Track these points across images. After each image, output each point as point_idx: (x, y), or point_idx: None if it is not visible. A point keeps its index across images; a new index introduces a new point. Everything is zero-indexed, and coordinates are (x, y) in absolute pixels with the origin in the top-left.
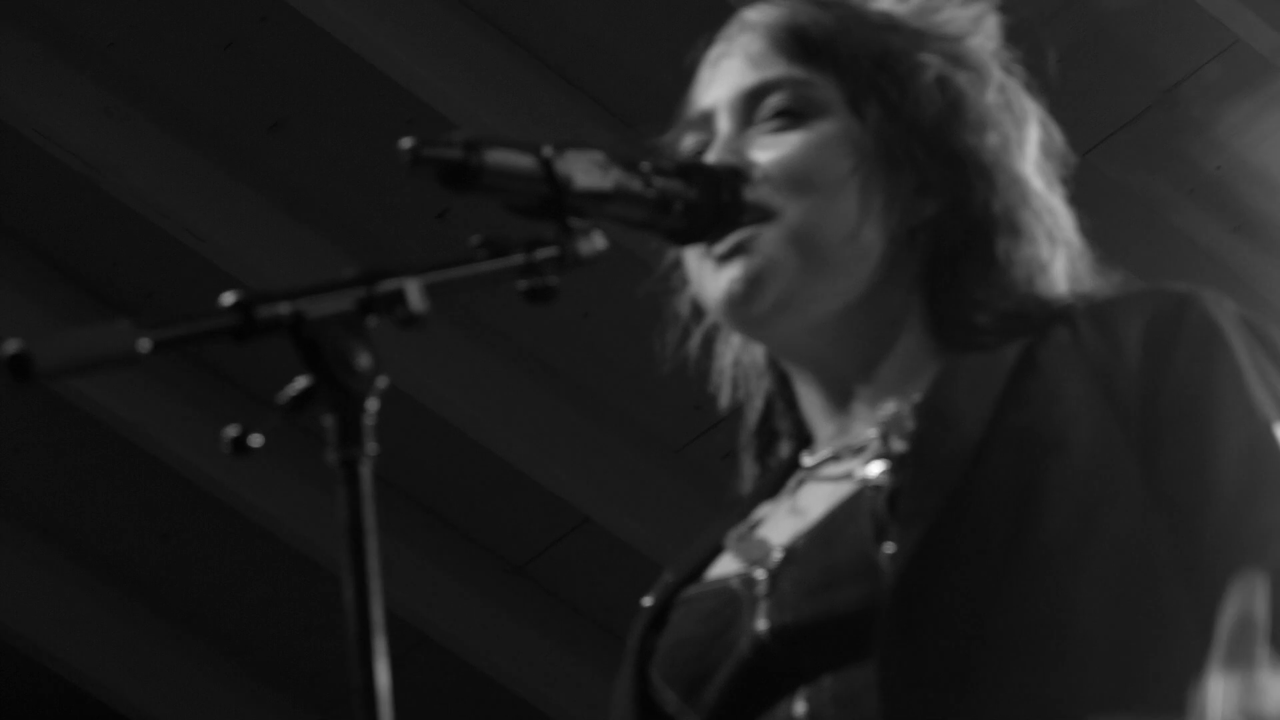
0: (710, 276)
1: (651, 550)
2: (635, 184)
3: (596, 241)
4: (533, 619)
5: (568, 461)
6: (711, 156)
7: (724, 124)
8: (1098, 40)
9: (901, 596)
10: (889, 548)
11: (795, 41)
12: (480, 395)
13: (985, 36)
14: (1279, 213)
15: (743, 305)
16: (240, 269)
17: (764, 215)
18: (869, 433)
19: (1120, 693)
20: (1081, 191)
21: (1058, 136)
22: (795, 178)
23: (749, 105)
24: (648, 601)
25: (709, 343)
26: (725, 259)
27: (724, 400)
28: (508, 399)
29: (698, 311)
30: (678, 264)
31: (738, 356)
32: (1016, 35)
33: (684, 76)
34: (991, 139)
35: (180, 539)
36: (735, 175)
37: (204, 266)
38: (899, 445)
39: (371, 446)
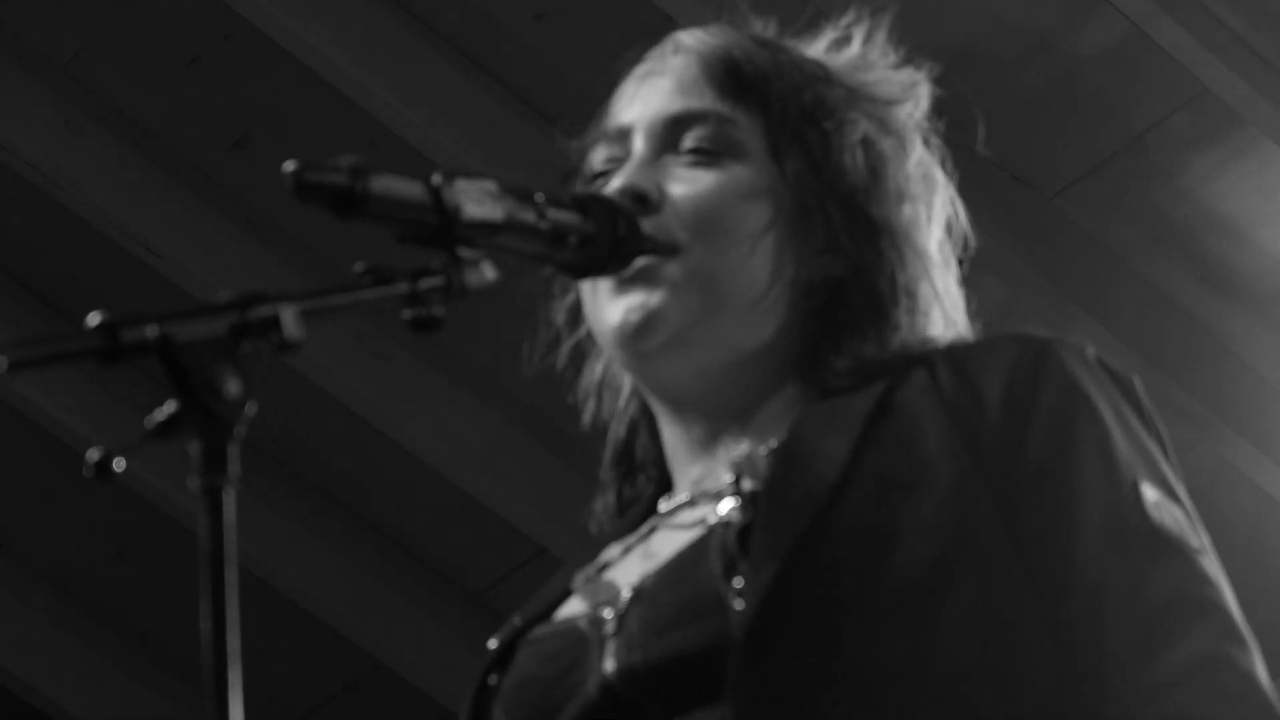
0: (606, 302)
1: None
2: (528, 215)
3: (486, 272)
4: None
5: (525, 491)
6: (621, 179)
7: (640, 145)
8: (1067, 85)
9: (754, 634)
10: (738, 582)
11: (727, 75)
12: (439, 424)
13: (914, 104)
14: (1245, 263)
15: (636, 338)
16: (198, 285)
17: (667, 249)
18: (725, 477)
19: None
20: (1047, 235)
21: (963, 215)
22: (704, 219)
23: (670, 132)
24: (492, 644)
25: (578, 356)
26: (624, 287)
27: (584, 420)
28: (466, 428)
29: (572, 321)
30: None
31: (603, 377)
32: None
33: None
34: (906, 211)
35: (133, 557)
36: (637, 205)
37: (162, 282)
38: (750, 484)
39: (235, 474)
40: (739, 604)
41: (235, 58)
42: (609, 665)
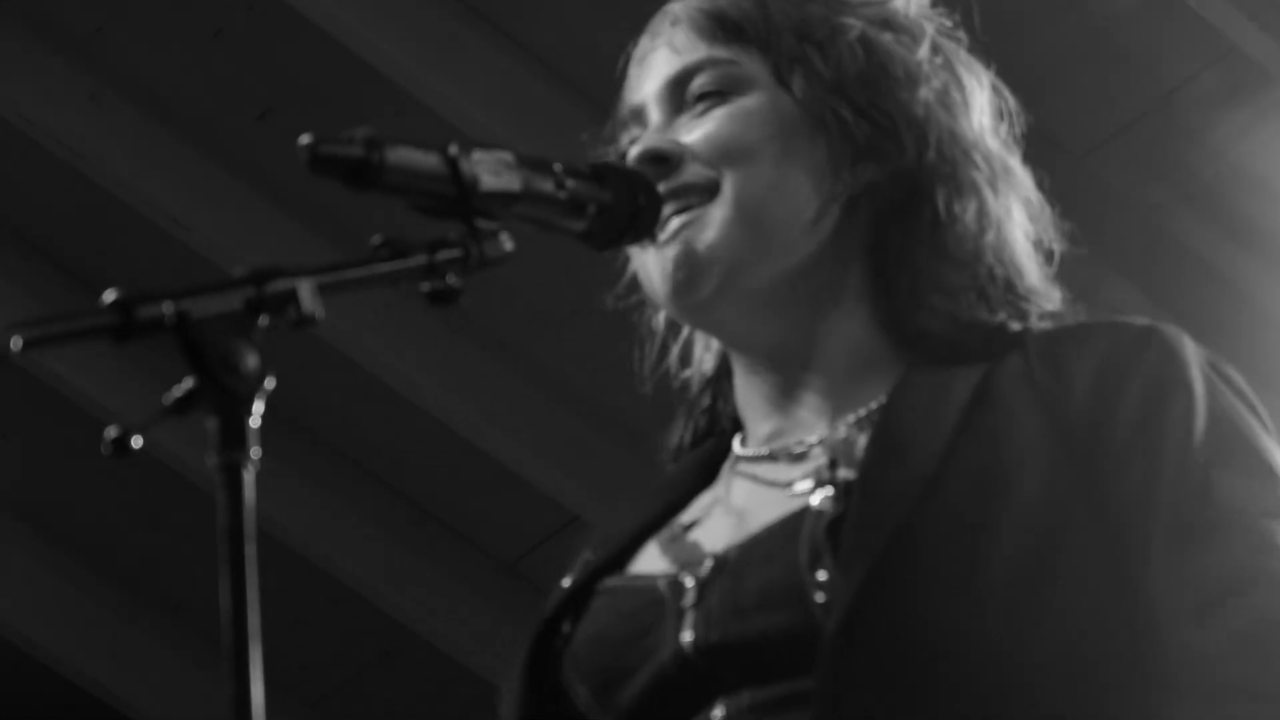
0: (654, 268)
1: None
2: (546, 185)
3: (504, 243)
4: (522, 617)
5: (557, 460)
6: (638, 146)
7: (654, 115)
8: (1094, 46)
9: (845, 632)
10: (821, 575)
11: (716, 24)
12: (470, 393)
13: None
14: (1275, 221)
15: (686, 292)
16: (225, 258)
17: (702, 191)
18: (811, 439)
19: None
20: (1077, 196)
21: (1009, 99)
22: (724, 149)
23: (675, 93)
24: (565, 582)
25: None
26: (667, 244)
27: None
28: (497, 397)
29: (674, 323)
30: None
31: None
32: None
33: None
34: (923, 93)
35: (165, 529)
36: (658, 167)
37: (189, 255)
38: (846, 473)
39: (255, 450)
40: (819, 597)
41: (259, 29)
42: (686, 637)
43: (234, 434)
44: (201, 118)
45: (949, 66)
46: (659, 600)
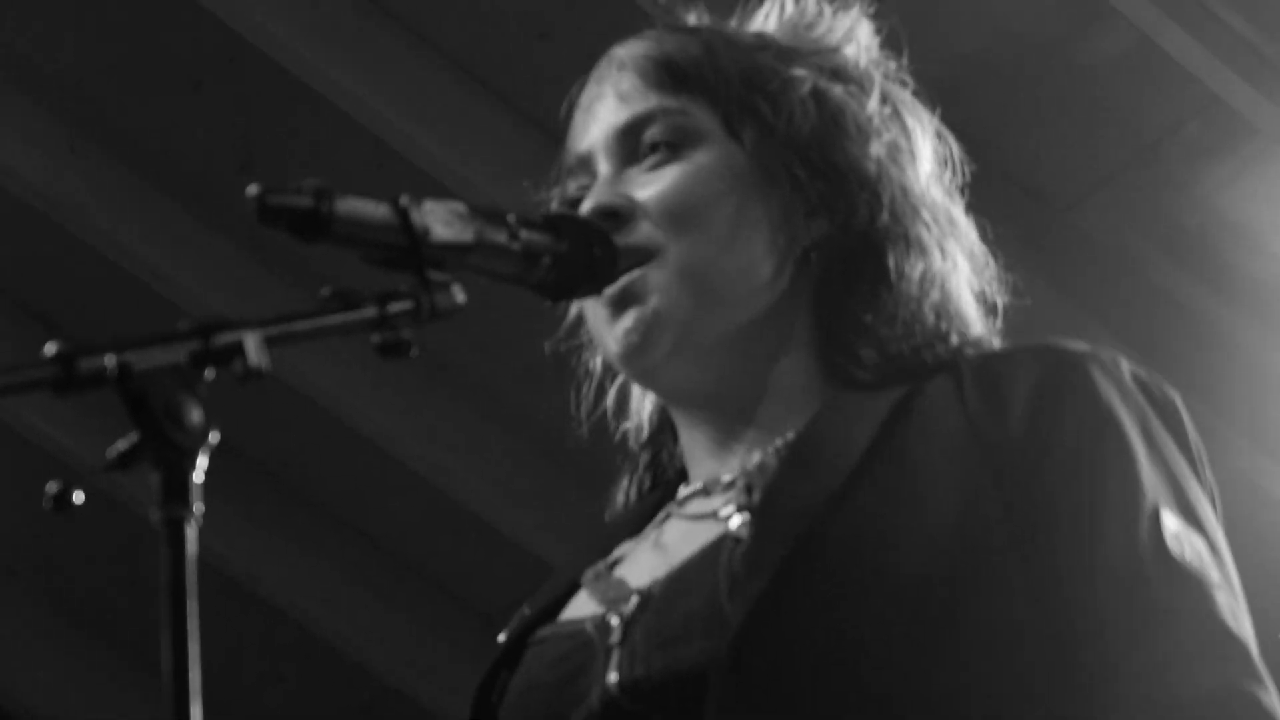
0: (603, 325)
1: None
2: (500, 236)
3: (456, 295)
4: None
5: (540, 515)
6: (590, 201)
7: (603, 166)
8: (1076, 97)
9: (736, 653)
10: (737, 604)
11: (664, 72)
12: (453, 447)
13: (861, 47)
14: (1260, 271)
15: (639, 355)
16: (200, 309)
17: (648, 255)
18: (738, 470)
19: None
20: (1060, 248)
21: (954, 146)
22: (675, 212)
23: (625, 142)
24: (501, 637)
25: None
26: (617, 307)
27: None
28: (481, 451)
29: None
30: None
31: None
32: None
33: None
34: (874, 149)
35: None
36: (610, 221)
37: (166, 306)
38: (759, 495)
39: (198, 506)
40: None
41: (240, 81)
42: (612, 676)
43: (177, 488)
44: (182, 169)
45: (897, 116)
46: (587, 642)
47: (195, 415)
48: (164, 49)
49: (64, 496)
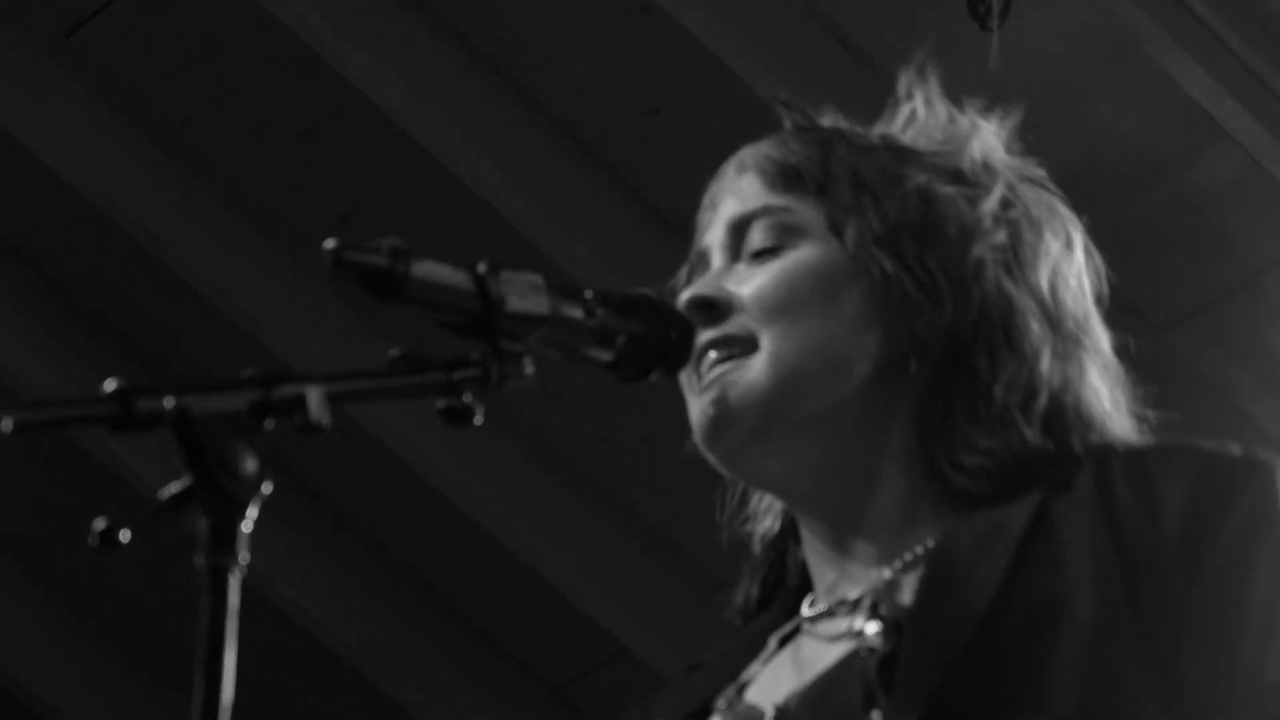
0: (693, 408)
1: None
2: (575, 311)
3: (526, 367)
4: None
5: (612, 589)
6: (688, 292)
7: (715, 260)
8: (1183, 218)
9: None
10: (876, 715)
11: (778, 171)
12: (530, 513)
13: (986, 146)
14: None
15: (714, 437)
16: (294, 356)
17: (741, 346)
18: (862, 590)
19: None
20: (1156, 370)
21: (1098, 259)
22: (769, 305)
23: (734, 238)
24: None
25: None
26: (706, 391)
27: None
28: (558, 519)
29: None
30: None
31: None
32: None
33: None
34: (977, 250)
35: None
36: (705, 313)
37: (264, 354)
38: (895, 610)
39: (245, 556)
40: None
41: (345, 131)
42: None
43: (224, 537)
44: (284, 215)
45: (1021, 220)
46: None
47: (249, 465)
48: (273, 96)
49: (110, 534)
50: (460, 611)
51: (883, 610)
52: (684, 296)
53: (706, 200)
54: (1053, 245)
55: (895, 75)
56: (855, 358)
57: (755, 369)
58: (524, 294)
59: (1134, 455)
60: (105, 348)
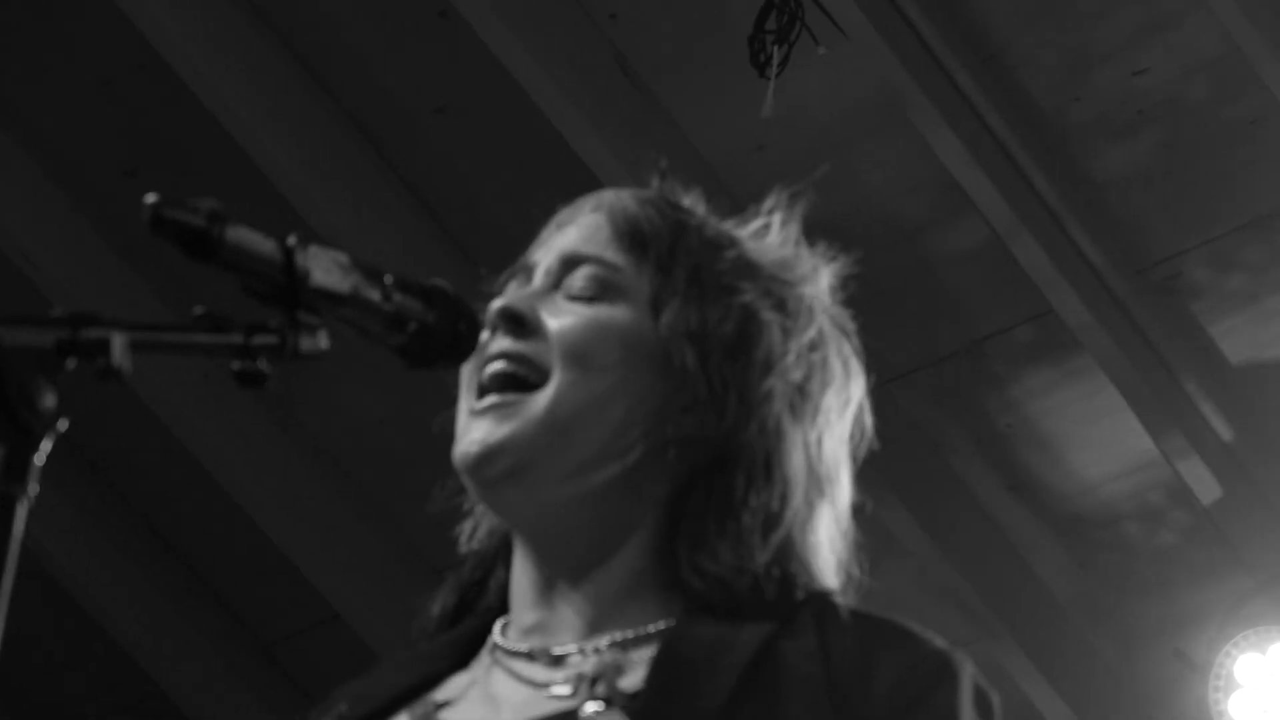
0: (461, 427)
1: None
2: (374, 294)
3: (320, 340)
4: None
5: (335, 557)
6: (502, 301)
7: (538, 279)
8: (923, 281)
9: None
10: None
11: (628, 227)
12: (269, 479)
13: (819, 290)
14: (1055, 481)
15: (475, 468)
16: (64, 298)
17: (534, 378)
18: (570, 646)
19: None
20: (878, 415)
21: (867, 421)
22: (570, 346)
23: (562, 270)
24: None
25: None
26: (479, 416)
27: (463, 545)
28: (294, 488)
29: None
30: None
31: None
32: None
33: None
34: (772, 381)
35: None
36: (512, 325)
37: (30, 290)
38: (617, 695)
39: (34, 486)
40: None
41: (143, 88)
42: None
43: (18, 467)
44: (72, 161)
45: (818, 368)
46: None
47: (49, 400)
48: (78, 42)
49: None
50: (187, 559)
51: (602, 691)
52: (498, 303)
53: (557, 219)
54: (834, 402)
55: (667, 104)
56: (629, 428)
57: (535, 408)
58: (328, 270)
59: (855, 619)
60: None
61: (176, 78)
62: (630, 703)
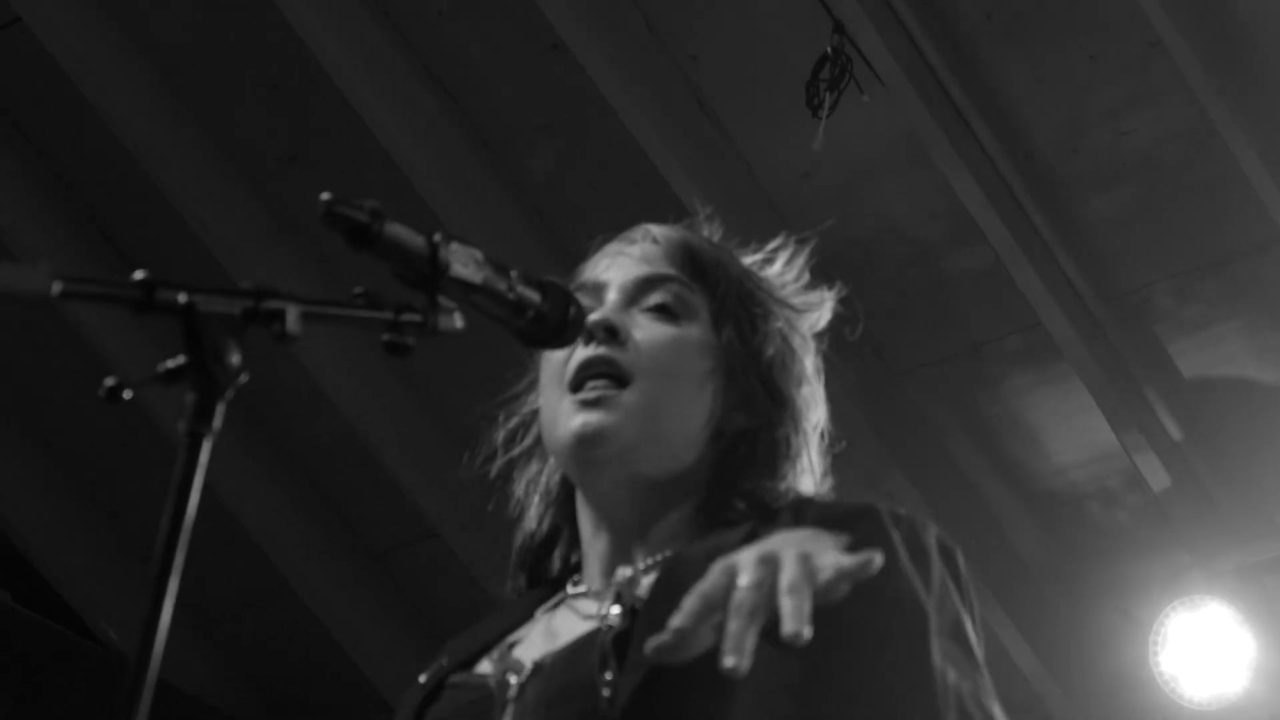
0: (568, 414)
1: None
2: (500, 285)
3: (456, 321)
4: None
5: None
6: (601, 312)
7: (614, 296)
8: (934, 291)
9: (626, 716)
10: (608, 676)
11: (685, 256)
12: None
13: (821, 318)
14: (1033, 464)
15: (590, 446)
16: (233, 267)
17: (624, 377)
18: (616, 583)
19: None
20: (887, 403)
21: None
22: (658, 359)
23: (638, 290)
24: (423, 679)
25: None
26: (587, 406)
27: (513, 510)
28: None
29: (511, 441)
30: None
31: (534, 481)
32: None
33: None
34: (804, 392)
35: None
36: (608, 335)
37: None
38: (632, 598)
39: (218, 427)
40: (606, 692)
41: (305, 95)
42: None
43: (206, 410)
44: (242, 141)
45: (817, 378)
46: (489, 694)
47: (235, 358)
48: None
49: (116, 391)
50: (314, 479)
51: (624, 598)
52: (596, 316)
53: (610, 248)
54: (819, 390)
55: (734, 135)
56: (698, 425)
57: (627, 405)
58: (465, 263)
59: (825, 505)
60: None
61: (333, 86)
62: (641, 606)
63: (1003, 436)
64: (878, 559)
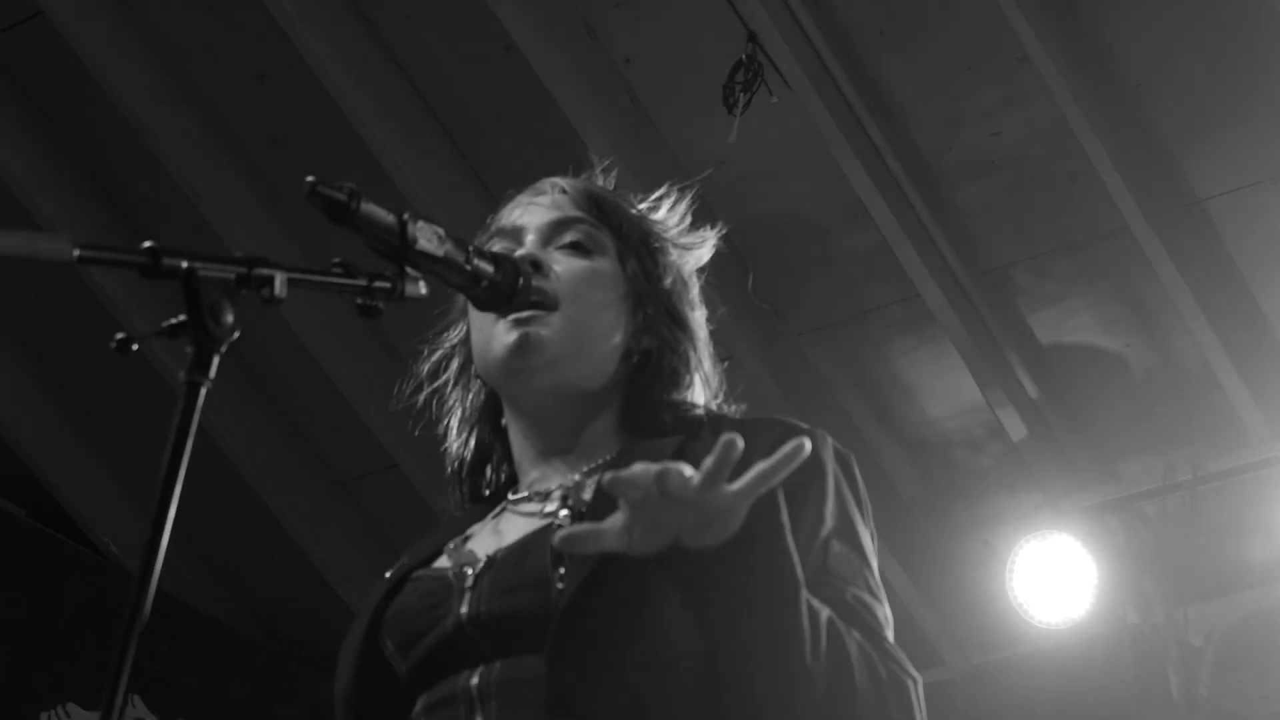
0: (502, 332)
1: None
2: (459, 258)
3: (420, 288)
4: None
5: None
6: (526, 250)
7: (531, 237)
8: (828, 263)
9: (570, 608)
10: (561, 569)
11: (590, 201)
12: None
13: (704, 249)
14: (910, 415)
15: (525, 355)
16: (221, 234)
17: (550, 304)
18: (554, 486)
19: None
20: (786, 360)
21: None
22: (576, 289)
23: (553, 231)
24: (388, 575)
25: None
26: (518, 325)
27: (448, 439)
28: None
29: (435, 373)
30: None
31: (461, 404)
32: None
33: None
34: (697, 315)
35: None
36: (533, 268)
37: (199, 222)
38: (579, 502)
39: (211, 378)
40: (560, 584)
41: (289, 89)
42: (464, 610)
43: (203, 363)
44: (230, 120)
45: (702, 303)
46: (448, 584)
47: (229, 317)
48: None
49: (126, 343)
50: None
51: (571, 501)
52: (521, 252)
53: (520, 198)
54: (701, 311)
55: (660, 127)
56: (613, 345)
57: (554, 324)
58: (429, 238)
59: (739, 423)
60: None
61: (313, 77)
62: (586, 508)
63: (885, 391)
64: (806, 444)
